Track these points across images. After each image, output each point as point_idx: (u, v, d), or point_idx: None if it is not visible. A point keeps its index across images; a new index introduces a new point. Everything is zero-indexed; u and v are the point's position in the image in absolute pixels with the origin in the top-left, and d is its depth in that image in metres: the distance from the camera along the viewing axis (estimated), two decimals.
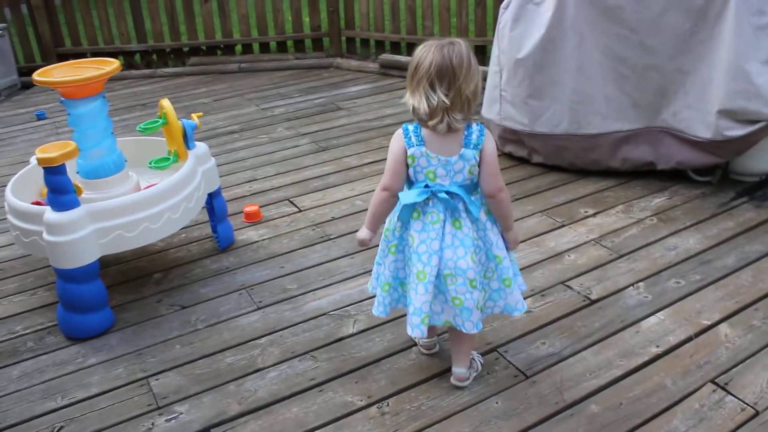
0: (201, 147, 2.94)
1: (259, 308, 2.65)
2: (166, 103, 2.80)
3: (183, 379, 2.29)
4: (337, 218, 3.33)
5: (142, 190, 2.72)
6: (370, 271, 2.80)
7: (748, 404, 2.05)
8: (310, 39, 6.76)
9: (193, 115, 2.93)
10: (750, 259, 2.84)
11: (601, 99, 3.55)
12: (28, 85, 6.32)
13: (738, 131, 3.28)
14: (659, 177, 3.59)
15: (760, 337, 2.35)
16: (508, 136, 3.88)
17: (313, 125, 4.74)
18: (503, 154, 3.95)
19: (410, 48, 6.20)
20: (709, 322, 2.44)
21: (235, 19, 6.68)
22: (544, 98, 3.63)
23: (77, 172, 2.73)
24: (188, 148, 2.87)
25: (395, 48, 6.31)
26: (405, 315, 2.49)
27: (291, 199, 3.57)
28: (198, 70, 6.45)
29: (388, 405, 2.11)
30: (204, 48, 6.69)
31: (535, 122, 3.69)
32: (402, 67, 5.85)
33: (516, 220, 3.18)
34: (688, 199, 3.39)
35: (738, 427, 1.97)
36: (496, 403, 2.09)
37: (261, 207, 3.43)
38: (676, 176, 3.57)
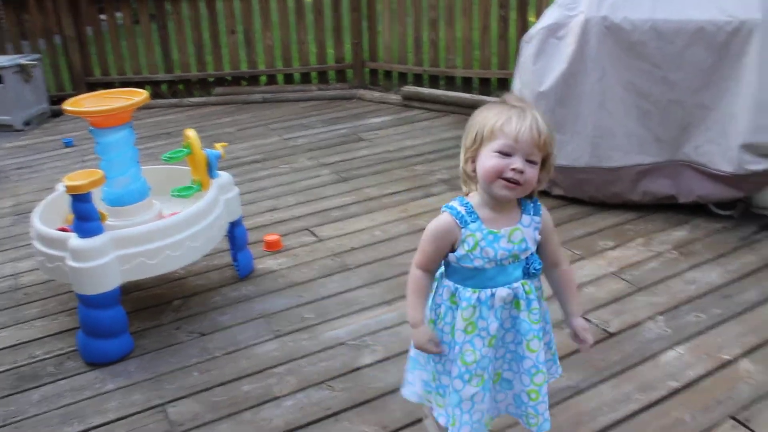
0: (224, 176, 2.98)
1: (276, 337, 2.66)
2: (191, 132, 2.86)
3: (199, 406, 2.30)
4: (356, 248, 3.35)
5: (165, 218, 2.76)
6: (389, 301, 2.84)
7: None
8: (333, 70, 6.85)
9: (217, 145, 2.98)
10: None
11: (623, 133, 3.55)
12: (57, 114, 6.46)
13: (761, 165, 3.28)
14: (680, 210, 3.57)
15: None
16: None
17: (334, 156, 4.78)
18: None
19: (432, 80, 6.26)
20: (730, 357, 2.41)
21: (261, 50, 6.79)
22: (566, 132, 3.64)
23: (102, 200, 2.78)
24: (212, 177, 2.92)
25: (417, 80, 6.37)
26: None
27: (311, 229, 3.60)
28: (223, 100, 6.56)
29: None
30: (229, 78, 6.80)
31: (556, 155, 3.69)
32: (424, 99, 5.91)
33: None
34: (709, 232, 3.37)
35: None
36: None
37: (281, 236, 3.46)
38: (697, 210, 3.55)
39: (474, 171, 1.60)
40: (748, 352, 2.44)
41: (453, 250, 1.64)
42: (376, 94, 6.38)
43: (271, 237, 3.41)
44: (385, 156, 4.72)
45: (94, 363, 2.55)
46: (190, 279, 3.15)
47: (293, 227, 3.63)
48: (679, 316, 2.67)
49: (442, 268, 1.73)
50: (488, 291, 1.64)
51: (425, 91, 6.02)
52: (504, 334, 1.70)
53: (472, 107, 5.55)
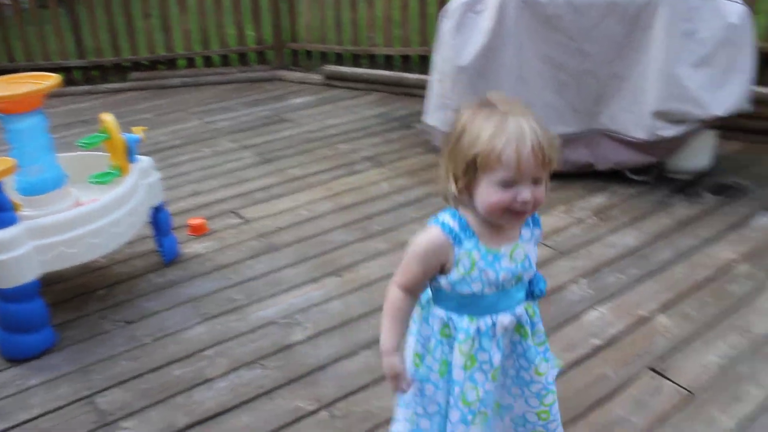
0: (144, 161, 2.92)
1: (205, 320, 2.63)
2: (107, 117, 2.78)
3: (129, 394, 2.26)
4: (282, 228, 3.33)
5: (83, 205, 2.68)
6: (317, 278, 2.85)
7: (684, 387, 2.14)
8: (253, 52, 6.75)
9: (136, 129, 2.91)
10: (684, 252, 2.94)
11: (542, 105, 3.63)
12: None
13: (671, 131, 3.41)
14: (598, 178, 3.68)
15: (694, 326, 2.45)
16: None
17: (257, 137, 4.73)
18: None
19: (354, 59, 6.24)
20: (648, 314, 2.53)
21: (178, 34, 6.62)
22: None
23: (15, 189, 2.68)
24: (131, 162, 2.85)
25: (339, 59, 6.34)
26: (351, 320, 2.53)
27: (236, 211, 3.56)
28: (140, 86, 6.38)
29: (337, 408, 2.12)
30: (146, 63, 6.61)
31: None
32: (346, 78, 5.90)
33: None
34: (626, 198, 3.49)
35: (675, 410, 2.05)
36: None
37: (206, 220, 3.41)
38: (614, 176, 3.67)
39: (469, 197, 1.38)
40: (664, 308, 2.56)
41: (443, 272, 1.43)
42: (297, 75, 6.32)
43: (196, 221, 3.35)
44: (308, 136, 4.70)
45: (15, 359, 2.46)
46: (114, 267, 3.07)
47: (218, 210, 3.58)
48: (600, 278, 2.77)
49: (429, 293, 1.53)
50: (488, 319, 1.45)
51: (347, 70, 6.00)
52: (506, 360, 1.54)
53: (394, 84, 5.59)
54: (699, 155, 3.66)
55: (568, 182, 3.67)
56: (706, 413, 2.04)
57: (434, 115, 4.02)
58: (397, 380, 1.49)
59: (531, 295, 1.50)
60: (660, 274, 2.79)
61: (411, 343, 1.58)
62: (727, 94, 3.35)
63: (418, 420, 1.58)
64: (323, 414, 2.11)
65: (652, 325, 2.46)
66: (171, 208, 3.25)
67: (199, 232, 3.32)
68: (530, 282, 1.50)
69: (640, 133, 3.47)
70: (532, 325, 1.52)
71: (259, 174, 4.05)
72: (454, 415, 1.49)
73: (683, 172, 3.65)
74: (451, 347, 1.48)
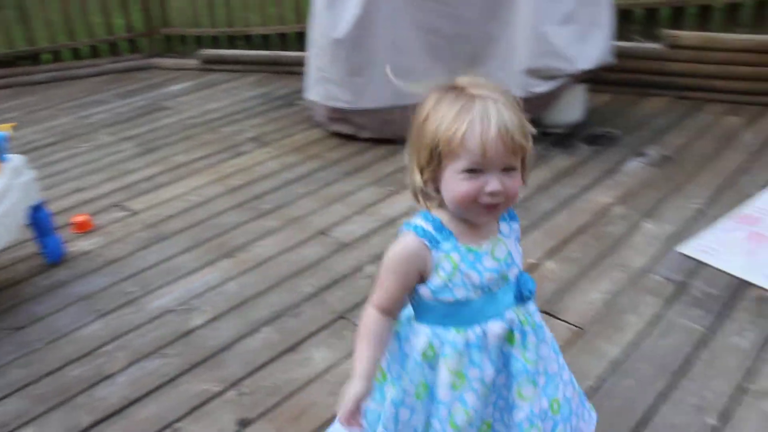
0: (16, 159, 2.78)
1: (100, 317, 2.56)
2: None
3: (25, 402, 2.17)
4: (172, 216, 3.26)
5: None
6: (211, 262, 2.82)
7: (574, 325, 2.28)
8: (124, 41, 6.51)
9: (3, 126, 2.77)
10: (565, 201, 3.10)
11: (418, 70, 3.69)
12: None
13: (543, 87, 3.56)
14: None
15: (579, 267, 2.60)
16: (334, 116, 3.96)
17: (136, 128, 4.58)
18: (331, 134, 4.03)
19: (231, 41, 6.13)
20: (535, 261, 2.65)
21: (40, 25, 6.27)
22: (365, 74, 3.74)
23: None
24: (1, 161, 2.71)
25: (215, 42, 6.22)
26: (248, 299, 2.53)
27: (121, 204, 3.45)
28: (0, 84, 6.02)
29: (244, 386, 2.12)
30: (5, 59, 6.24)
31: (359, 99, 3.79)
32: (224, 61, 5.79)
33: (349, 194, 3.30)
34: None
35: (568, 345, 2.18)
36: (350, 365, 2.16)
37: (91, 216, 3.30)
38: None
39: (437, 191, 1.27)
40: (550, 254, 2.69)
41: (423, 281, 1.30)
42: (173, 62, 6.15)
43: (80, 218, 3.23)
44: (190, 122, 4.60)
45: None
46: None
47: (102, 205, 3.47)
48: None
49: (411, 310, 1.38)
50: (477, 329, 1.31)
51: (224, 52, 5.90)
52: (496, 376, 1.36)
53: (273, 64, 5.54)
54: (572, 109, 3.85)
55: None
56: (594, 345, 2.18)
57: (314, 90, 4.02)
58: (353, 415, 1.29)
59: (519, 297, 1.35)
60: (544, 223, 2.93)
61: (381, 366, 1.43)
62: (592, 49, 3.53)
63: None
64: (231, 393, 2.10)
65: (540, 271, 2.59)
66: (52, 207, 3.12)
67: (83, 228, 3.21)
68: (517, 283, 1.34)
69: (515, 91, 3.54)
70: (524, 334, 1.35)
71: (142, 165, 3.94)
72: None
73: (558, 126, 3.82)
74: (433, 369, 1.33)
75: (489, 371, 1.32)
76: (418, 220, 1.30)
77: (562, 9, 3.45)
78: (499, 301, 1.32)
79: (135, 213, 3.34)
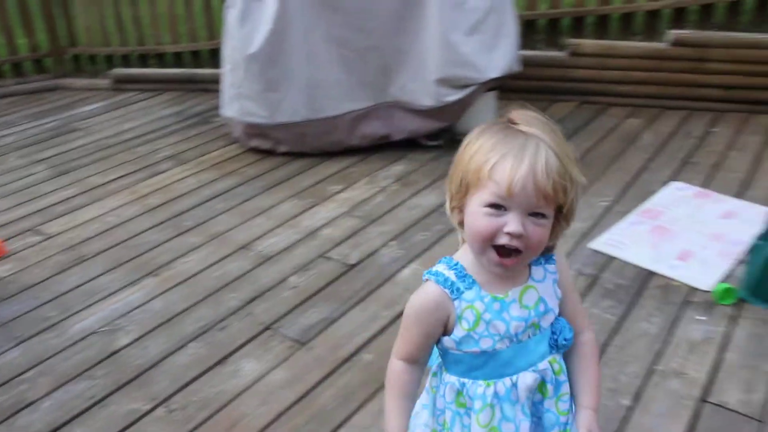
0: None
1: (19, 343, 2.50)
2: None
3: None
4: (90, 238, 3.20)
5: None
6: (134, 281, 2.80)
7: None
8: (29, 61, 6.31)
9: None
10: None
11: (332, 83, 3.77)
12: None
13: (454, 96, 3.69)
14: (396, 147, 3.90)
15: None
16: (251, 131, 3.98)
17: (47, 150, 4.47)
18: (249, 150, 4.05)
19: (142, 60, 6.05)
20: None
21: None
22: (280, 89, 3.78)
23: None
24: None
25: (126, 61, 6.12)
26: (174, 316, 2.53)
27: (36, 228, 3.37)
28: None
29: (174, 402, 2.12)
30: None
31: (274, 113, 3.82)
32: (136, 80, 5.71)
33: (270, 208, 3.33)
34: (423, 162, 3.74)
35: None
36: (279, 374, 2.20)
37: (3, 241, 3.21)
38: (410, 144, 3.91)
39: (461, 224, 1.19)
40: None
41: (447, 332, 1.22)
42: (83, 82, 6.02)
43: None
44: (104, 142, 4.52)
45: None
46: None
47: (15, 230, 3.37)
48: (408, 239, 2.96)
49: (439, 358, 1.30)
50: (507, 381, 1.21)
51: (136, 71, 5.82)
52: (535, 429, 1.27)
53: (187, 82, 5.50)
54: (483, 116, 3.97)
55: (368, 155, 3.85)
56: None
57: (230, 107, 4.04)
58: None
59: (555, 346, 1.25)
60: None
61: (423, 418, 1.33)
62: (499, 58, 3.68)
63: None
64: (161, 411, 2.10)
65: None
66: None
67: None
68: (552, 331, 1.25)
69: (427, 101, 3.72)
70: (558, 385, 1.25)
71: (56, 187, 3.85)
72: None
73: None
74: (470, 417, 1.24)
75: (524, 425, 1.22)
76: (440, 267, 1.23)
77: (469, 20, 3.58)
78: (532, 350, 1.22)
79: (50, 237, 3.27)
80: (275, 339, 2.37)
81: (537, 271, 1.23)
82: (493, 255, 1.13)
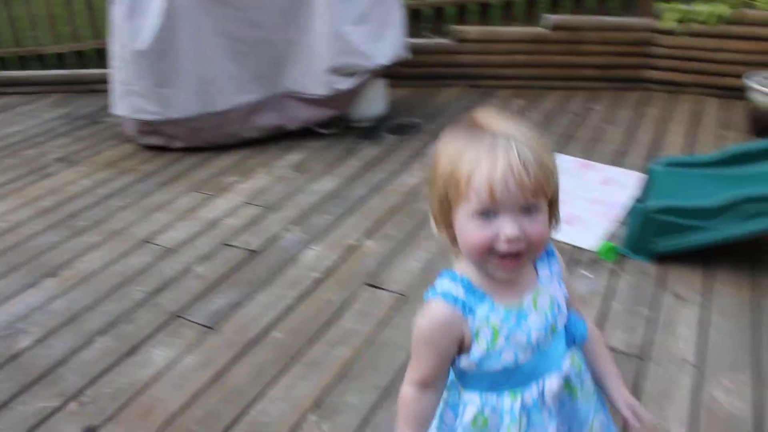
0: None
1: None
2: None
3: None
4: None
5: None
6: (33, 284, 2.73)
7: (396, 292, 2.50)
8: None
9: None
10: (377, 186, 3.34)
11: (224, 77, 3.79)
12: None
13: (345, 84, 3.78)
14: (291, 137, 3.97)
15: (396, 242, 2.84)
16: (144, 128, 3.94)
17: None
18: (143, 147, 4.00)
19: (21, 62, 5.82)
20: (355, 242, 2.85)
21: None
22: (171, 85, 3.76)
23: None
24: None
25: (4, 64, 5.87)
26: (79, 313, 2.51)
27: None
28: None
29: (85, 396, 2.12)
30: None
31: (167, 109, 3.80)
32: (17, 83, 5.50)
33: (168, 203, 3.33)
34: (318, 150, 3.82)
35: (393, 311, 2.40)
36: (190, 359, 2.23)
37: None
38: (305, 133, 3.98)
39: (454, 241, 1.11)
40: (368, 234, 2.91)
41: (464, 351, 1.14)
42: None
43: None
44: None
45: None
46: None
47: None
48: (309, 222, 3.04)
49: (452, 374, 1.23)
50: (534, 389, 1.17)
51: (15, 74, 5.59)
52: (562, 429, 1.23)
53: (72, 83, 5.34)
54: (375, 103, 4.10)
55: (264, 146, 3.90)
56: (416, 308, 2.37)
57: (121, 105, 3.97)
58: None
59: (572, 342, 1.22)
60: (359, 207, 3.14)
61: None
62: (387, 45, 3.80)
63: None
64: (72, 406, 2.09)
65: (361, 250, 2.79)
66: None
67: None
68: (566, 328, 1.21)
69: (319, 90, 3.80)
70: (581, 379, 1.23)
71: None
72: None
73: (364, 120, 4.07)
74: None
75: (552, 428, 1.18)
76: (445, 283, 1.13)
77: (356, 10, 3.68)
78: (552, 354, 1.17)
79: None
80: (184, 326, 2.39)
81: (543, 272, 1.18)
82: (496, 262, 1.06)
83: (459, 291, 1.11)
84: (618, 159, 3.48)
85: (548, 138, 0.96)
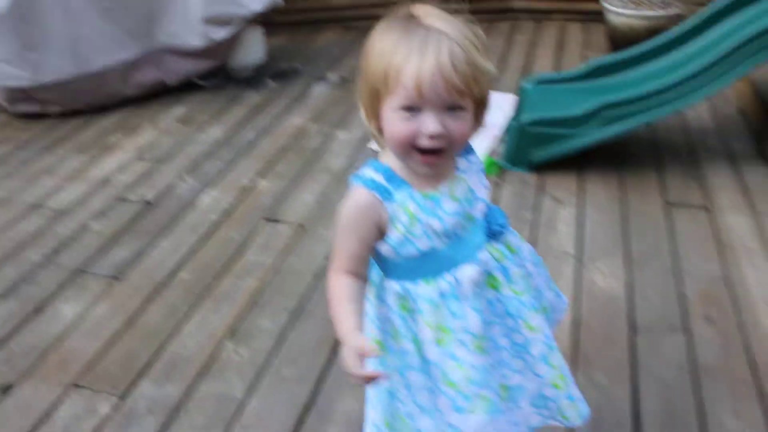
0: None
1: None
2: None
3: None
4: None
5: None
6: None
7: (295, 223, 2.62)
8: None
9: None
10: (264, 129, 3.43)
11: (96, 35, 3.69)
12: None
13: (222, 33, 3.78)
14: (173, 91, 3.93)
15: (289, 179, 2.96)
16: (15, 96, 3.77)
17: None
18: (16, 116, 3.83)
19: None
20: (249, 182, 2.94)
21: None
22: (39, 48, 3.62)
23: None
24: None
25: None
26: None
27: None
28: None
29: None
30: None
31: (37, 74, 3.65)
32: None
33: (54, 167, 3.28)
34: (202, 101, 3.83)
35: (293, 241, 2.52)
36: (100, 309, 2.25)
37: None
38: (187, 87, 3.95)
39: (381, 131, 1.13)
40: (262, 174, 3.00)
41: (381, 237, 1.17)
42: None
43: None
44: None
45: None
46: None
47: None
48: (201, 170, 3.09)
49: (378, 270, 1.25)
50: (449, 277, 1.19)
51: None
52: (490, 328, 1.24)
53: None
54: (254, 51, 4.11)
55: (147, 103, 3.85)
56: (318, 234, 2.54)
57: None
58: (357, 361, 1.08)
59: (491, 234, 1.23)
60: (250, 151, 3.21)
61: (368, 330, 1.25)
62: None
63: (415, 422, 1.28)
64: None
65: (256, 190, 2.88)
66: None
67: None
68: (486, 219, 1.23)
69: (196, 41, 3.78)
70: (506, 270, 1.24)
71: None
72: (443, 403, 1.23)
73: (245, 68, 4.08)
74: (416, 321, 1.22)
75: (474, 320, 1.19)
76: (367, 171, 1.17)
77: None
78: (468, 243, 1.20)
79: None
80: (89, 280, 2.41)
81: (461, 162, 1.21)
82: (417, 157, 1.10)
83: (380, 178, 1.15)
84: (494, 84, 3.68)
85: (482, 37, 1.09)
